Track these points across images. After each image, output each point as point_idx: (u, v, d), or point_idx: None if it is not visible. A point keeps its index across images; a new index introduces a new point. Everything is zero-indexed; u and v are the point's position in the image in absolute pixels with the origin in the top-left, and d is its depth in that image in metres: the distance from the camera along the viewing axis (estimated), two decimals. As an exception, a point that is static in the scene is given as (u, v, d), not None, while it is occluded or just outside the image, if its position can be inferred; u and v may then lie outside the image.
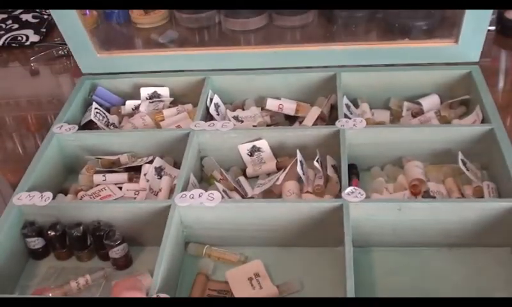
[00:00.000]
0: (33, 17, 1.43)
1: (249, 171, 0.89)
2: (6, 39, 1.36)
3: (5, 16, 1.44)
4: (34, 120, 1.12)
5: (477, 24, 0.90)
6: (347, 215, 0.72)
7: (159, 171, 0.88)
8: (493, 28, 1.21)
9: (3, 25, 1.41)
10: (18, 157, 1.02)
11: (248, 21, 1.22)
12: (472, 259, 0.75)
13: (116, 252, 0.76)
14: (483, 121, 0.87)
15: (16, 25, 1.41)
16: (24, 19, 1.43)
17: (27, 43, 1.36)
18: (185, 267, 0.77)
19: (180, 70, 1.03)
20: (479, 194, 0.79)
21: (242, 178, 0.88)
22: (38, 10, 1.44)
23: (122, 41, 1.29)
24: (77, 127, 0.93)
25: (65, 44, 1.28)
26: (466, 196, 0.80)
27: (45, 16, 1.42)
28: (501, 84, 1.09)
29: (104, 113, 0.97)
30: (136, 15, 1.30)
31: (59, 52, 1.29)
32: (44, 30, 1.38)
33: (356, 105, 0.96)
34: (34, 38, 1.36)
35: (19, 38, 1.36)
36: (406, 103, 0.96)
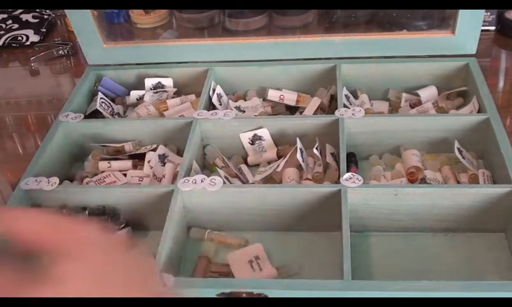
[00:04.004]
0: (33, 17, 1.43)
1: (251, 159, 0.91)
2: (6, 39, 1.37)
3: (5, 16, 1.45)
4: (34, 120, 1.13)
5: (472, 15, 0.92)
6: (345, 200, 0.74)
7: (163, 159, 0.90)
8: (493, 28, 1.22)
9: (3, 25, 1.42)
10: (18, 157, 1.03)
11: (248, 21, 1.23)
12: (466, 244, 0.77)
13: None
14: (479, 112, 0.89)
15: (16, 25, 1.41)
16: (24, 19, 1.43)
17: (27, 43, 1.37)
18: (187, 250, 0.79)
19: (184, 62, 1.05)
20: (474, 182, 0.81)
21: (243, 166, 0.89)
22: (38, 10, 1.45)
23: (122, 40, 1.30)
24: (82, 116, 0.95)
25: (65, 44, 1.31)
26: (462, 183, 0.82)
27: (45, 16, 1.43)
28: (501, 84, 1.10)
29: (109, 103, 0.99)
30: (136, 15, 1.31)
31: (59, 52, 1.30)
32: (44, 30, 1.39)
33: (356, 96, 0.98)
34: (34, 38, 1.37)
35: (19, 38, 1.37)
36: (404, 95, 0.98)
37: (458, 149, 0.83)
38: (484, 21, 0.99)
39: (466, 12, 0.92)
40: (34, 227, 0.33)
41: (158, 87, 1.03)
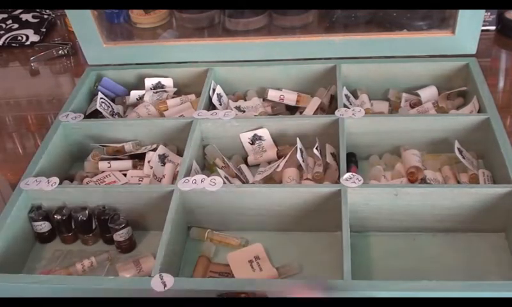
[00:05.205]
0: (33, 17, 1.44)
1: (251, 159, 0.91)
2: (6, 39, 1.37)
3: (5, 16, 1.46)
4: (34, 120, 1.13)
5: (472, 14, 0.92)
6: (345, 200, 0.74)
7: (163, 159, 0.90)
8: (493, 28, 1.23)
9: (3, 25, 1.42)
10: (18, 157, 1.04)
11: (248, 21, 1.23)
12: (466, 244, 0.77)
13: (120, 235, 0.78)
14: (479, 112, 0.89)
15: (16, 25, 1.42)
16: (24, 19, 1.44)
17: (27, 43, 1.37)
18: (187, 250, 0.80)
19: (184, 62, 1.05)
20: (474, 182, 0.81)
21: (243, 166, 0.90)
22: (38, 10, 1.45)
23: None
24: (82, 116, 0.95)
25: (65, 44, 1.32)
26: (462, 183, 0.82)
27: (45, 16, 1.44)
28: (501, 84, 1.10)
29: (109, 103, 0.99)
30: (136, 15, 1.31)
31: (59, 52, 1.31)
32: (44, 30, 1.40)
33: (356, 96, 0.98)
34: (34, 38, 1.37)
35: (19, 38, 1.37)
36: (404, 95, 0.98)
37: (458, 149, 0.83)
38: (484, 21, 0.99)
39: (466, 12, 0.92)
40: None
41: (158, 87, 1.04)
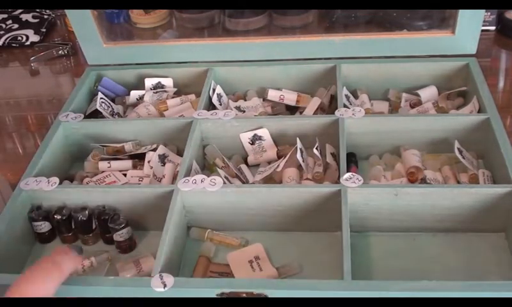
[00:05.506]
0: (33, 17, 1.44)
1: (251, 159, 0.91)
2: (6, 39, 1.37)
3: (5, 16, 1.46)
4: (34, 120, 1.13)
5: (472, 14, 0.92)
6: (345, 200, 0.74)
7: (163, 159, 0.90)
8: (493, 28, 1.23)
9: (3, 25, 1.42)
10: (18, 157, 1.04)
11: (248, 21, 1.23)
12: (466, 244, 0.77)
13: (120, 235, 0.78)
14: (479, 112, 0.89)
15: (16, 25, 1.42)
16: (24, 19, 1.44)
17: (27, 43, 1.37)
18: (187, 250, 0.80)
19: (184, 62, 1.05)
20: (474, 182, 0.81)
21: (243, 166, 0.90)
22: (38, 10, 1.46)
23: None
24: (82, 116, 0.95)
25: (65, 44, 1.32)
26: (462, 183, 0.82)
27: (45, 16, 1.43)
28: (501, 84, 1.10)
29: (109, 103, 0.99)
30: (136, 15, 1.31)
31: (59, 52, 1.31)
32: (44, 30, 1.40)
33: (356, 96, 0.98)
34: (34, 38, 1.37)
35: (19, 38, 1.37)
36: (404, 95, 0.98)
37: (458, 149, 0.83)
38: (484, 21, 0.99)
39: (466, 12, 0.92)
40: None
41: (158, 87, 1.04)
